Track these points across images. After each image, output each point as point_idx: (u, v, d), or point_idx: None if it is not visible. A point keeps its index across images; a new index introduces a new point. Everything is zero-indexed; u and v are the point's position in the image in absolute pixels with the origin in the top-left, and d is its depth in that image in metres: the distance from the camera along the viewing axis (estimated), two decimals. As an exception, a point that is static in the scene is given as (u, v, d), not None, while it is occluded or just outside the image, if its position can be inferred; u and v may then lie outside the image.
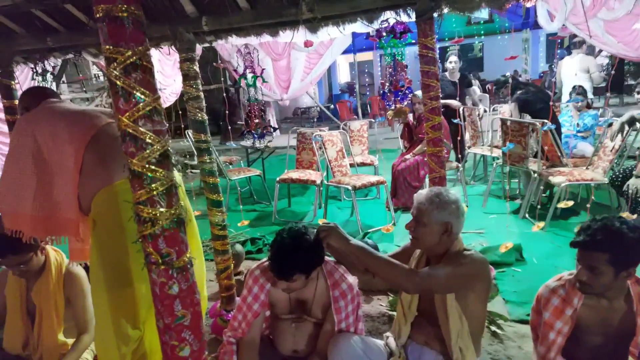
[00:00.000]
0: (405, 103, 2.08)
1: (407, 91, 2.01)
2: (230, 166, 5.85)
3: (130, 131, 0.86)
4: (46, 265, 2.17)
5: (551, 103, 4.12)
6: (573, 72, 6.00)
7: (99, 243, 1.61)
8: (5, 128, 2.57)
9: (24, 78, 3.06)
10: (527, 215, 4.15)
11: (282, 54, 7.83)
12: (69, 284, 2.18)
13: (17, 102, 2.48)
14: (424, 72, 1.99)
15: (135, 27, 0.85)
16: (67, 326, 2.22)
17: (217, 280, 2.63)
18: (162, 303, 0.92)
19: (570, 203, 2.94)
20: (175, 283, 0.92)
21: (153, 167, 0.88)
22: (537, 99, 4.48)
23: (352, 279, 1.94)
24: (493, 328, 2.42)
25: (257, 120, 3.06)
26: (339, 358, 1.77)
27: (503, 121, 4.26)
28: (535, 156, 4.06)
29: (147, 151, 0.87)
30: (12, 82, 2.42)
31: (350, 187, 4.17)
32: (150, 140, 0.87)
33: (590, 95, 5.56)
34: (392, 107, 1.98)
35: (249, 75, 2.88)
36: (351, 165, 4.88)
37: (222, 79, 9.81)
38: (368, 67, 17.18)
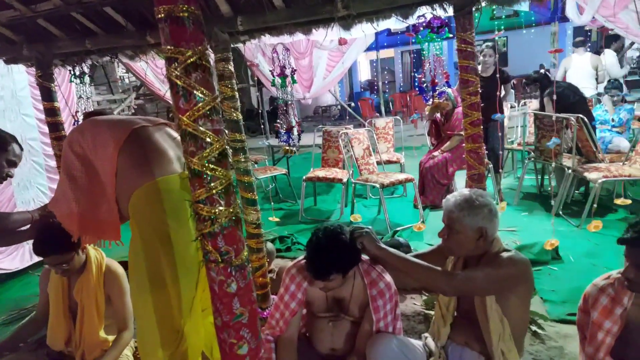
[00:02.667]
0: (444, 98, 2.04)
1: (444, 86, 1.97)
2: (256, 165, 5.89)
3: (191, 130, 0.87)
4: (87, 264, 2.22)
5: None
6: (581, 68, 5.83)
7: (135, 245, 1.63)
8: (46, 129, 2.64)
9: (61, 80, 3.14)
10: (561, 212, 4.05)
11: (304, 53, 7.84)
12: (109, 282, 2.23)
13: (56, 104, 2.55)
14: (462, 67, 1.95)
15: (195, 27, 0.85)
16: (108, 323, 2.26)
17: (252, 278, 2.64)
18: (221, 301, 0.92)
19: (628, 201, 2.85)
20: (234, 281, 0.92)
21: (212, 165, 0.88)
22: (570, 93, 4.37)
23: (390, 278, 1.92)
24: (534, 328, 2.36)
25: (280, 121, 3.08)
26: (378, 358, 1.75)
27: (536, 116, 4.17)
28: (569, 152, 3.95)
29: (207, 150, 0.88)
30: (52, 85, 2.48)
31: (378, 185, 4.15)
32: (210, 140, 0.88)
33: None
34: (430, 103, 1.94)
35: (278, 78, 2.89)
36: (377, 163, 4.85)
37: (246, 77, 9.87)
38: (389, 64, 17.05)
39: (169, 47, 0.84)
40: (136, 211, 1.64)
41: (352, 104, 13.87)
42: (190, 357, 1.75)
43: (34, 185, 4.13)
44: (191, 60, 0.85)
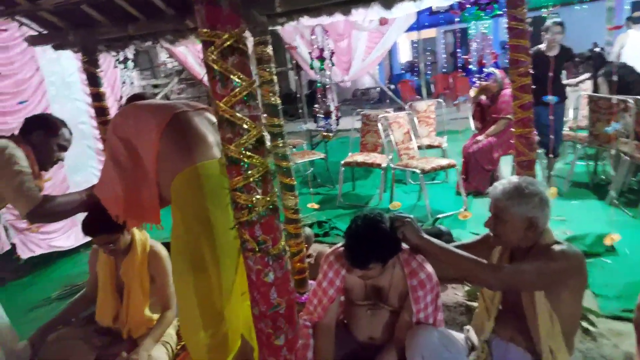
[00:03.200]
0: (491, 80, 1.92)
1: (492, 66, 1.85)
2: (294, 149, 5.89)
3: (228, 117, 0.84)
4: (132, 245, 2.28)
5: None
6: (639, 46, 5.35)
7: (177, 228, 1.65)
8: (92, 112, 2.71)
9: (107, 66, 3.24)
10: (615, 201, 3.81)
11: (343, 35, 7.69)
12: (153, 262, 2.29)
13: (101, 89, 2.61)
14: (513, 46, 1.83)
15: (231, 8, 0.82)
16: (153, 302, 2.33)
17: (290, 263, 2.66)
18: (259, 290, 0.91)
19: None
20: (271, 271, 0.90)
21: (249, 153, 0.86)
22: (626, 72, 4.07)
23: (431, 269, 1.86)
24: (585, 324, 2.24)
25: (318, 106, 3.03)
26: (418, 351, 1.70)
27: (591, 98, 3.90)
28: (627, 137, 3.69)
29: (244, 137, 0.85)
30: (97, 70, 2.54)
31: (418, 171, 4.04)
32: (247, 126, 0.85)
33: None
34: (476, 85, 1.83)
35: (317, 61, 2.82)
36: (418, 147, 4.73)
37: (284, 60, 9.84)
38: (431, 44, 16.52)
39: (205, 30, 0.81)
40: (177, 195, 1.65)
41: (392, 87, 13.57)
42: (230, 339, 1.77)
43: (85, 168, 4.31)
44: (228, 43, 0.82)
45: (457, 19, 1.82)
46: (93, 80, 2.56)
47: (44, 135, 2.05)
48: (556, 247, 1.62)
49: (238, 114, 0.84)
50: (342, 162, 4.75)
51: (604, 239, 2.87)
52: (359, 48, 7.97)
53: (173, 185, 1.65)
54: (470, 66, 1.81)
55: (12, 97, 3.43)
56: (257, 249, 0.88)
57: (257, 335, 0.94)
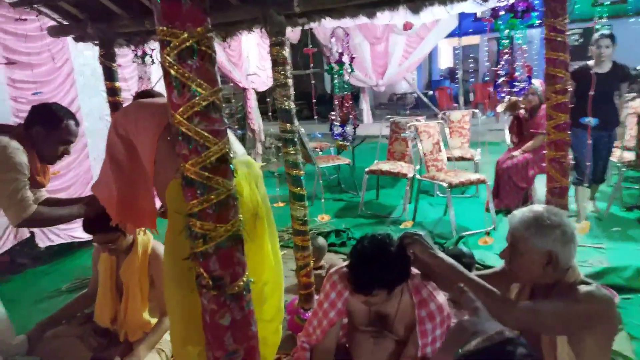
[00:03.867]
0: (523, 96, 1.72)
1: (524, 82, 1.66)
2: (320, 153, 5.76)
3: (184, 130, 0.72)
4: (134, 245, 2.22)
5: None
6: None
7: (168, 236, 1.56)
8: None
9: (128, 62, 3.22)
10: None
11: (381, 38, 7.52)
12: (153, 264, 2.22)
13: (117, 84, 2.57)
14: (550, 60, 1.63)
15: (194, 4, 0.69)
16: (152, 305, 2.26)
17: (297, 277, 2.53)
18: (212, 333, 0.78)
19: None
20: (228, 312, 0.77)
21: (207, 174, 0.73)
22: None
23: (443, 299, 1.69)
24: (615, 373, 2.00)
25: (343, 112, 2.85)
26: None
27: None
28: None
29: (202, 155, 0.73)
30: (113, 64, 2.50)
31: (445, 184, 3.83)
32: (206, 143, 0.72)
33: None
34: (505, 100, 1.64)
35: (335, 65, 2.67)
36: (448, 159, 4.50)
37: (312, 64, 9.76)
38: (473, 51, 16.01)
39: (161, 27, 0.69)
40: (170, 202, 1.57)
41: (430, 93, 13.23)
42: None
43: (110, 160, 4.33)
44: (187, 44, 0.69)
45: (487, 28, 1.64)
46: (109, 75, 2.52)
47: (44, 131, 1.99)
48: (582, 288, 1.43)
49: (196, 128, 0.71)
50: (367, 169, 4.58)
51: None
52: (395, 52, 7.78)
53: (168, 191, 1.57)
54: (499, 79, 1.62)
55: (39, 86, 3.47)
56: (211, 285, 0.75)
57: (212, 382, 0.81)
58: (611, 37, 3.57)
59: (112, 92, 2.53)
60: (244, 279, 0.79)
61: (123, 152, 1.71)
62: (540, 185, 4.21)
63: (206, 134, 0.72)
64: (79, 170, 4.10)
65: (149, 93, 1.99)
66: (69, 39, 3.65)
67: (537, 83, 3.82)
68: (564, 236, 1.41)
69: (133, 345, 2.16)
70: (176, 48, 0.69)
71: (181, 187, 1.50)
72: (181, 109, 0.71)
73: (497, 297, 1.48)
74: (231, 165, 0.76)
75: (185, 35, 0.69)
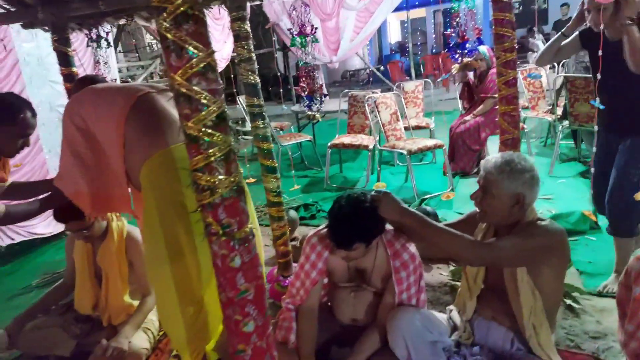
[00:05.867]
0: (474, 57, 1.85)
1: (475, 43, 1.78)
2: (281, 132, 5.81)
3: (184, 91, 0.78)
4: (108, 231, 2.22)
5: None
6: None
7: (150, 216, 1.57)
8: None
9: (80, 46, 3.11)
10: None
11: (331, 14, 7.54)
12: (130, 248, 2.23)
13: (74, 69, 2.51)
14: (497, 20, 1.77)
15: (185, -29, 0.75)
16: (132, 288, 2.29)
17: (274, 247, 2.62)
18: (224, 276, 0.86)
19: None
20: (237, 255, 0.85)
21: (210, 130, 0.80)
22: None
23: (414, 249, 1.83)
24: (568, 301, 2.24)
25: (302, 85, 2.89)
26: (398, 332, 1.69)
27: (567, 79, 3.84)
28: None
29: (203, 113, 0.79)
30: (69, 50, 2.43)
31: (405, 152, 4.00)
32: (205, 101, 0.79)
33: None
34: (459, 61, 1.76)
35: (298, 38, 2.70)
36: (406, 128, 4.68)
37: (273, 40, 9.69)
38: (420, 24, 16.35)
39: (157, -5, 0.74)
40: (149, 182, 1.56)
41: (382, 68, 13.44)
42: (211, 326, 1.72)
43: (66, 152, 4.19)
44: (182, 9, 0.75)
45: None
46: (65, 60, 2.45)
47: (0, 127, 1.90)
48: (539, 224, 1.61)
49: (195, 88, 0.78)
50: (329, 144, 4.69)
51: (587, 216, 2.87)
52: (347, 28, 7.83)
53: (143, 171, 1.56)
54: (451, 42, 1.73)
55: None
56: (221, 233, 0.83)
57: (225, 322, 0.89)
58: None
59: (69, 78, 2.46)
60: (249, 225, 0.87)
61: (83, 144, 1.63)
62: (492, 146, 4.49)
63: (205, 93, 0.79)
64: (34, 165, 3.95)
65: (92, 79, 1.93)
66: (12, 28, 3.49)
67: (484, 49, 4.02)
68: (532, 180, 1.57)
69: (118, 328, 2.19)
70: (172, 13, 0.75)
71: (157, 166, 1.56)
72: (180, 71, 0.77)
73: (463, 239, 1.62)
74: (228, 122, 0.83)
75: (179, 1, 0.75)
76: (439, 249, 1.88)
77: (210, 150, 0.80)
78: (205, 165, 0.81)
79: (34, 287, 3.19)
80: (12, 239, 3.58)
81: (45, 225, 3.96)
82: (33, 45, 3.80)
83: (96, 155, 1.63)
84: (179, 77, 0.77)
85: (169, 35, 0.75)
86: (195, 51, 0.77)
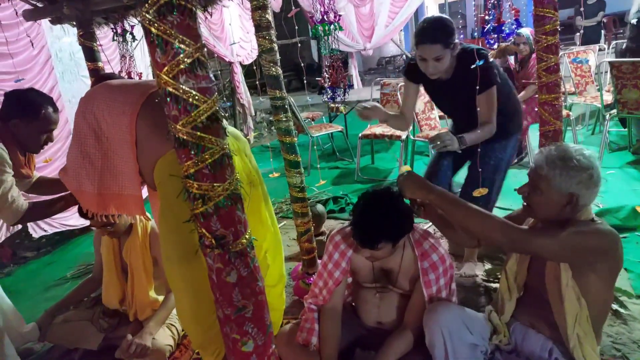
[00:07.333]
0: (512, 40, 1.68)
1: (513, 25, 1.61)
2: (312, 122, 5.72)
3: (171, 90, 0.70)
4: (133, 226, 2.22)
5: None
6: None
7: (165, 215, 1.53)
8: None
9: (107, 41, 3.12)
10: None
11: (365, 0, 7.35)
12: (155, 244, 2.23)
13: (100, 64, 2.51)
14: (537, 0, 1.60)
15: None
16: (158, 284, 2.29)
17: (298, 243, 2.55)
18: (220, 291, 0.79)
19: None
20: (234, 269, 0.78)
21: (199, 133, 0.72)
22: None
23: (444, 250, 1.71)
24: (615, 306, 2.05)
25: (325, 75, 2.77)
26: (438, 327, 1.55)
27: (612, 64, 3.53)
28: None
29: (193, 114, 0.71)
30: (94, 44, 2.43)
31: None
32: (194, 101, 0.71)
33: None
34: (495, 46, 1.60)
35: (320, 26, 2.58)
36: (440, 117, 4.48)
37: (297, 29, 9.56)
38: (460, 7, 15.73)
39: (137, -17, 0.67)
40: (163, 179, 1.52)
41: (418, 54, 13.01)
42: None
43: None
44: (166, -1, 0.67)
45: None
46: (90, 55, 2.45)
47: (22, 123, 1.90)
48: (590, 223, 1.42)
49: (183, 86, 0.70)
50: (360, 134, 4.56)
51: (638, 212, 2.63)
52: (381, 14, 7.61)
53: (157, 169, 1.52)
54: (486, 25, 1.57)
55: (16, 76, 3.38)
56: (214, 245, 0.76)
57: (224, 340, 0.83)
58: None
59: (95, 73, 2.47)
60: (247, 236, 0.79)
61: (94, 144, 1.58)
62: (534, 135, 4.23)
63: (194, 92, 0.71)
64: (65, 160, 4.05)
65: (109, 76, 1.90)
66: (45, 25, 3.56)
67: (528, 31, 3.75)
68: (590, 180, 1.37)
69: (143, 323, 2.20)
70: (155, 4, 0.67)
71: (171, 162, 1.50)
72: (166, 68, 0.69)
73: (496, 219, 1.46)
74: (223, 123, 0.75)
75: (163, -12, 0.67)
76: (465, 227, 1.68)
77: (202, 156, 0.72)
78: (196, 171, 0.73)
79: (69, 279, 3.28)
80: (45, 231, 3.68)
81: (78, 217, 4.06)
82: (65, 42, 3.88)
83: (107, 156, 1.59)
84: (164, 74, 0.69)
85: (152, 29, 0.67)
86: (182, 46, 0.69)
